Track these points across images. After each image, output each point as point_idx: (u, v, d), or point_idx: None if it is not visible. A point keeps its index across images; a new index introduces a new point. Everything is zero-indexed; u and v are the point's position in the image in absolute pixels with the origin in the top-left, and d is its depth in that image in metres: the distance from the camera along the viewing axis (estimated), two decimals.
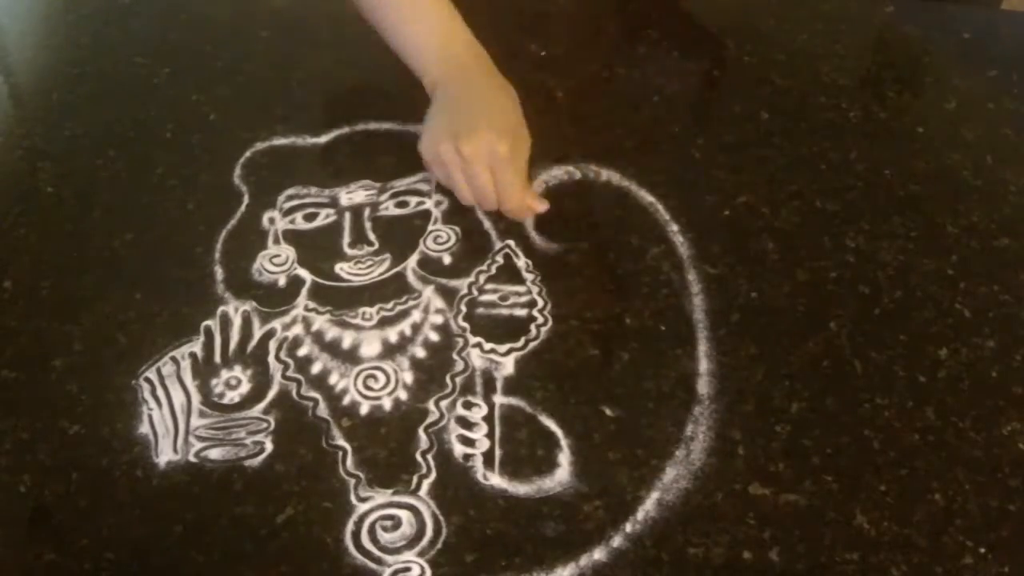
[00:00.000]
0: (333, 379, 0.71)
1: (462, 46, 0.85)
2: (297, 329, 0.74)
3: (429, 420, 0.68)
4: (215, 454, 0.67)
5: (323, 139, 0.89)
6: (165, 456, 0.66)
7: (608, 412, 0.68)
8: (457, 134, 0.77)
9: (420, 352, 0.72)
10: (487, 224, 0.81)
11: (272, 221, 0.82)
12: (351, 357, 0.72)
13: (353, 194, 0.83)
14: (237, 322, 0.74)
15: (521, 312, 0.74)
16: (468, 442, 0.67)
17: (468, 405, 0.69)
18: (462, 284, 0.76)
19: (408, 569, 0.61)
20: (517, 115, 0.81)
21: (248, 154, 0.88)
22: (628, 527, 0.62)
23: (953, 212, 0.82)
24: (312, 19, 1.03)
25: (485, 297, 0.76)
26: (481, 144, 0.77)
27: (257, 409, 0.69)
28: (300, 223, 0.81)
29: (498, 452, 0.66)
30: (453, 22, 0.86)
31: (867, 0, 1.04)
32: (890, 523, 0.62)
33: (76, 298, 0.77)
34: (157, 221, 0.82)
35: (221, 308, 0.75)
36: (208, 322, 0.74)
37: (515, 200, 0.79)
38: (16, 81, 1.02)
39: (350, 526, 0.63)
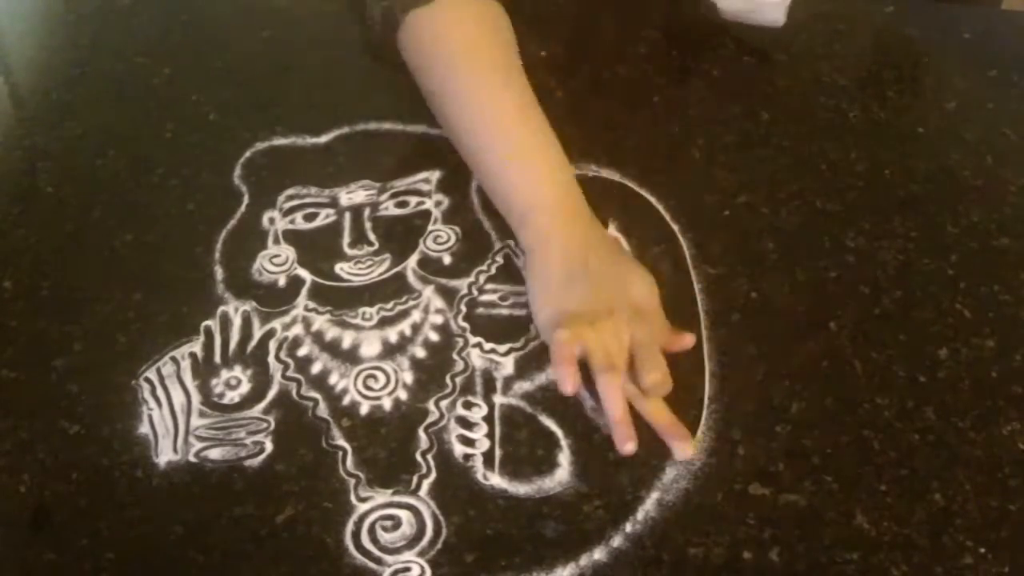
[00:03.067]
0: (333, 379, 0.71)
1: (575, 196, 0.76)
2: (297, 329, 0.74)
3: (429, 420, 0.68)
4: (215, 454, 0.67)
5: (323, 139, 0.89)
6: (165, 456, 0.66)
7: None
8: (595, 316, 0.67)
9: (420, 352, 0.72)
10: (487, 224, 0.81)
11: (272, 221, 0.81)
12: (351, 357, 0.72)
13: (353, 194, 0.83)
14: (237, 322, 0.74)
15: (521, 312, 0.74)
16: (468, 442, 0.67)
17: (468, 405, 0.69)
18: (462, 284, 0.76)
19: (408, 569, 0.61)
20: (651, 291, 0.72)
21: (248, 154, 0.87)
22: (628, 527, 0.62)
23: (953, 212, 0.81)
24: (312, 19, 1.03)
25: (485, 297, 0.76)
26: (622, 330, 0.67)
27: (257, 409, 0.69)
28: (300, 223, 0.81)
29: (498, 452, 0.66)
30: (564, 168, 0.76)
31: (867, 0, 1.04)
32: (890, 523, 0.62)
33: (76, 298, 0.77)
34: (157, 221, 0.82)
35: (221, 308, 0.75)
36: (208, 322, 0.74)
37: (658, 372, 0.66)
38: (16, 81, 1.02)
39: (350, 526, 0.63)
